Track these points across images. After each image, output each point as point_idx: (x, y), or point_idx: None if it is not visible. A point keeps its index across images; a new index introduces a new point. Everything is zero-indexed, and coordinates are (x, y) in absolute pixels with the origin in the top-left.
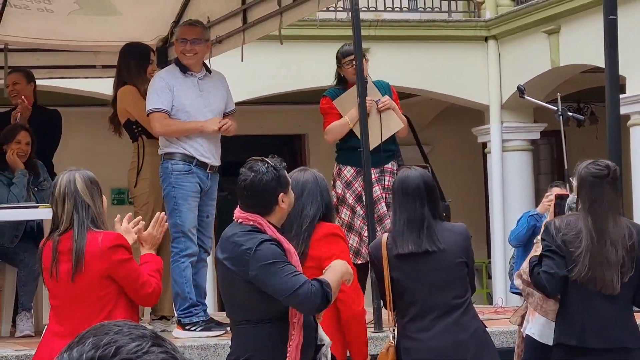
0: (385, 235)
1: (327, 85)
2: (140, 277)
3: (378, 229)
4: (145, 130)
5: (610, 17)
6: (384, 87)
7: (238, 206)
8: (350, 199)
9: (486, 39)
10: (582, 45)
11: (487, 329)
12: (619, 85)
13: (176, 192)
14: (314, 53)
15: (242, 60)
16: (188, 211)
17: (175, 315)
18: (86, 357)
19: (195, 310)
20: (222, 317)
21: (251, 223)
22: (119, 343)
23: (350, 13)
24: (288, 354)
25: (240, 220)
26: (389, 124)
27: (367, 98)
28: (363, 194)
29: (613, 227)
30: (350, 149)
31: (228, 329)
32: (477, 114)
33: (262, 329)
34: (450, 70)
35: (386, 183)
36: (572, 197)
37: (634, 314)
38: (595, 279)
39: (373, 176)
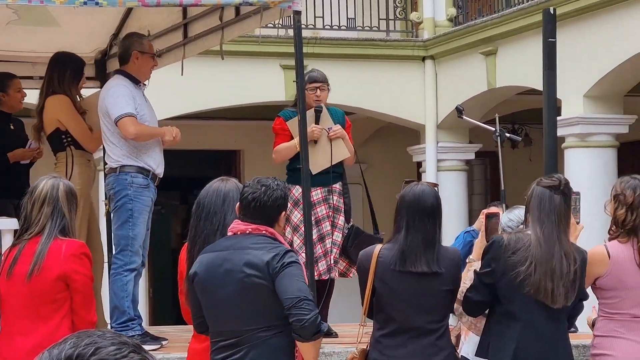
0: (379, 246)
1: (266, 102)
2: (92, 302)
3: (319, 246)
4: (75, 141)
5: (549, 39)
6: (338, 115)
7: (235, 220)
8: (296, 219)
9: (424, 58)
10: (519, 67)
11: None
12: (556, 107)
13: (133, 205)
14: (254, 69)
15: (182, 75)
16: (141, 225)
17: (110, 327)
18: (65, 354)
19: (132, 324)
20: (156, 330)
21: (264, 232)
22: (99, 345)
23: (290, 30)
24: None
25: (249, 230)
26: (337, 151)
27: (318, 126)
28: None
29: (564, 239)
30: (296, 170)
31: (163, 342)
32: (412, 133)
33: (282, 336)
34: (387, 89)
35: (334, 202)
36: (505, 219)
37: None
38: (542, 290)
39: (320, 195)
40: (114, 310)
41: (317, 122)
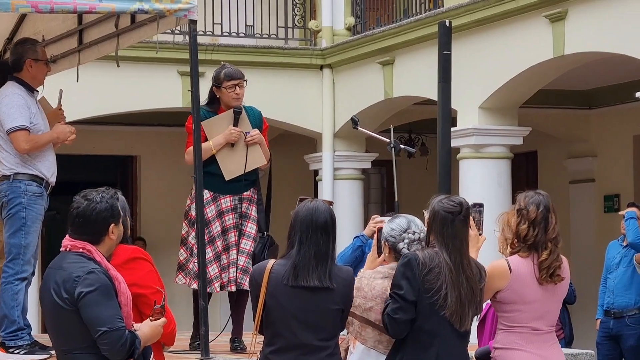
0: (272, 262)
1: (163, 108)
2: None
3: (224, 257)
4: None
5: (445, 52)
6: (255, 117)
7: (67, 235)
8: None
9: (322, 67)
10: (415, 77)
11: None
12: (451, 118)
13: (27, 214)
14: (152, 75)
15: (77, 81)
16: (34, 233)
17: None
18: None
19: (22, 333)
20: (45, 339)
21: (80, 250)
22: None
23: (187, 37)
24: None
25: (69, 247)
26: (254, 157)
27: (237, 129)
28: (218, 219)
29: (467, 265)
30: (208, 174)
31: (52, 352)
32: (309, 141)
33: (91, 355)
34: (285, 97)
35: (243, 210)
36: (387, 228)
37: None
38: (454, 314)
39: (229, 203)
40: (3, 319)
41: (235, 124)
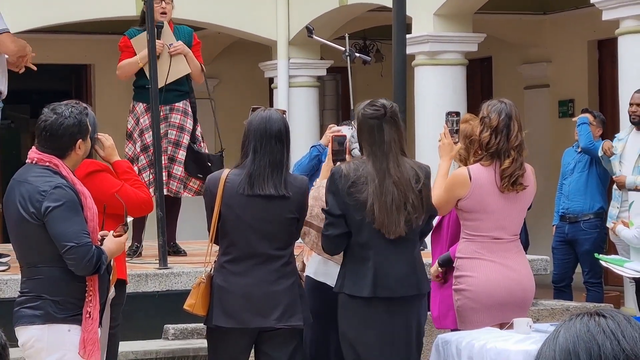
0: (226, 171)
1: (117, 17)
2: None
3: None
4: None
5: None
6: (184, 33)
7: (34, 147)
8: (136, 133)
9: None
10: None
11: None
12: (405, 26)
13: None
14: None
15: None
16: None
17: None
18: None
19: None
20: (5, 248)
21: (47, 164)
22: None
23: None
24: (87, 289)
25: (35, 160)
26: (177, 67)
27: (159, 41)
28: (147, 129)
29: (395, 169)
30: (140, 87)
31: (6, 260)
32: (264, 49)
33: (55, 268)
34: (238, 5)
35: (172, 120)
36: (351, 135)
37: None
38: (381, 224)
39: (161, 113)
40: None
41: (158, 37)
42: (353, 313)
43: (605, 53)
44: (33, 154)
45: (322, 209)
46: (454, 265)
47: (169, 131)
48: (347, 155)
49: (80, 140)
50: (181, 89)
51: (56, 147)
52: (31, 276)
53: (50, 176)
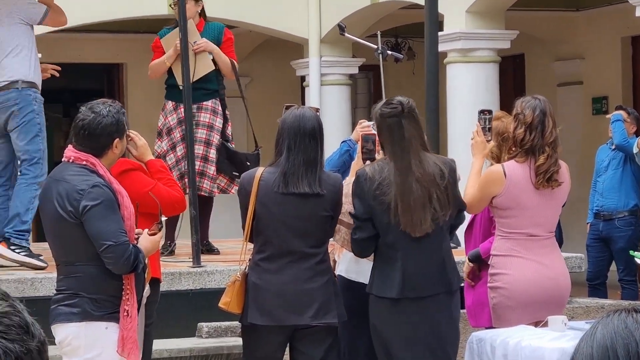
0: (261, 169)
1: (148, 15)
2: None
3: (183, 165)
4: None
5: None
6: (213, 30)
7: (70, 145)
8: (164, 131)
9: None
10: None
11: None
12: (438, 23)
13: (40, 120)
14: None
15: None
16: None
17: (5, 231)
18: None
19: (27, 236)
20: (35, 247)
21: (84, 163)
22: None
23: None
24: (125, 287)
25: (72, 159)
26: (202, 64)
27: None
28: (179, 126)
29: (417, 165)
30: (170, 86)
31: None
32: (296, 47)
33: (92, 266)
34: (270, 3)
35: (201, 119)
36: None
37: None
38: (406, 223)
39: None
40: (14, 217)
41: None
42: (383, 313)
43: (639, 49)
44: (70, 152)
45: (349, 213)
46: (488, 262)
47: (197, 130)
48: (376, 155)
49: (117, 139)
50: (209, 87)
51: (94, 146)
52: (68, 274)
53: (88, 175)
